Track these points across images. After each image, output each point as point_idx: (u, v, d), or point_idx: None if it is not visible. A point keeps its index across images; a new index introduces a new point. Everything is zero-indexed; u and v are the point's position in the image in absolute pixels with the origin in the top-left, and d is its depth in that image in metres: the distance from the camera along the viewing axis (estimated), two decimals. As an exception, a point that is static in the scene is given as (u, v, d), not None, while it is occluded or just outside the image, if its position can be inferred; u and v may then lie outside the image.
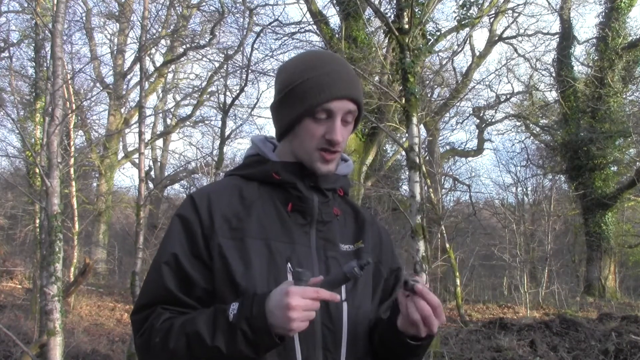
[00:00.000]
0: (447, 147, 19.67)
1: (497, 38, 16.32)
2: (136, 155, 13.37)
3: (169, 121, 19.53)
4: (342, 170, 1.36)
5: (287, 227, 1.24)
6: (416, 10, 5.96)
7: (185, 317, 1.16)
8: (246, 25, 9.75)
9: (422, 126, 13.63)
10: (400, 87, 7.05)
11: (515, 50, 16.84)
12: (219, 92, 13.57)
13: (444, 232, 11.03)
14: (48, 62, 9.16)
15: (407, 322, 1.14)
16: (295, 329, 1.05)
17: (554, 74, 16.61)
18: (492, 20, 15.59)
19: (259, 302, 1.08)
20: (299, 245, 1.23)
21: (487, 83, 17.00)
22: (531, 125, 18.63)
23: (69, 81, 8.33)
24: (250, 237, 1.20)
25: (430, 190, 11.33)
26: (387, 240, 1.41)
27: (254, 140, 1.37)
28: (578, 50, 21.10)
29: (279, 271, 1.18)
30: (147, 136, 14.29)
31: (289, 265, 1.19)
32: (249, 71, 9.04)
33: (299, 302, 1.04)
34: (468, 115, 18.53)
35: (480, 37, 25.06)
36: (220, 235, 1.19)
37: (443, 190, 16.75)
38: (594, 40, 16.16)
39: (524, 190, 18.55)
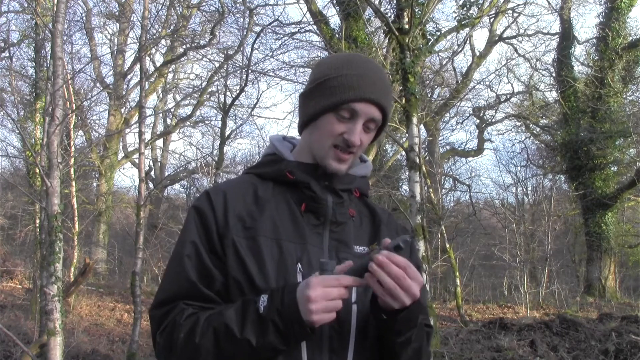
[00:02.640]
0: (447, 147, 19.69)
1: (497, 38, 16.33)
2: (136, 155, 13.37)
3: (169, 121, 19.55)
4: (359, 171, 1.35)
5: (299, 227, 1.23)
6: (416, 10, 5.96)
7: (211, 311, 1.15)
8: (246, 25, 9.76)
9: (422, 126, 13.65)
10: (401, 87, 7.05)
11: (516, 50, 16.87)
12: (219, 92, 13.58)
13: (444, 232, 11.03)
14: (48, 62, 9.16)
15: (385, 296, 1.08)
16: (317, 320, 1.05)
17: (554, 74, 16.61)
18: (492, 20, 15.61)
19: (290, 292, 1.08)
20: (311, 245, 1.21)
21: (487, 83, 17.07)
22: (531, 125, 18.63)
23: (69, 81, 8.32)
24: (263, 236, 1.19)
25: (431, 190, 11.33)
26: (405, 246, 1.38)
27: (272, 139, 1.37)
28: (578, 50, 21.11)
29: (289, 271, 1.17)
30: (147, 136, 14.30)
31: (299, 265, 1.18)
32: (249, 71, 9.04)
33: (319, 293, 1.04)
34: (468, 115, 18.58)
35: (480, 37, 25.08)
36: (234, 233, 1.20)
37: (443, 190, 16.78)
38: (594, 40, 16.16)
39: (524, 190, 18.58)
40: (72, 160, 9.71)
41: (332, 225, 1.25)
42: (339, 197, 1.27)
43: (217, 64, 12.00)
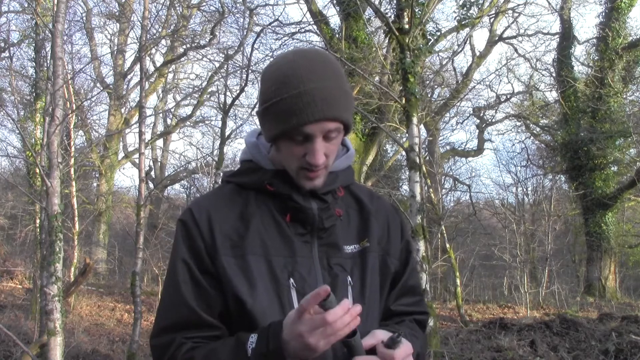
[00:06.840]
0: (447, 147, 19.67)
1: (497, 38, 16.32)
2: (136, 155, 13.38)
3: (169, 121, 19.55)
4: (340, 165, 1.29)
5: (287, 239, 1.21)
6: (416, 10, 5.96)
7: (208, 347, 1.14)
8: (246, 25, 9.76)
9: (422, 126, 13.64)
10: (401, 87, 7.07)
11: (516, 50, 16.85)
12: (219, 92, 13.57)
13: (444, 232, 11.02)
14: (48, 62, 9.17)
15: None
16: (321, 349, 1.03)
17: (554, 74, 16.61)
18: (492, 20, 15.60)
19: (275, 335, 1.05)
20: (301, 257, 1.20)
21: (487, 83, 17.04)
22: (531, 125, 18.62)
23: (69, 81, 8.32)
24: (252, 254, 1.17)
25: (431, 190, 11.34)
26: (395, 229, 1.35)
27: (247, 143, 1.31)
28: (578, 50, 21.10)
29: (282, 288, 1.16)
30: (148, 136, 14.32)
31: (291, 280, 1.17)
32: (249, 71, 9.03)
33: (309, 326, 1.01)
34: (468, 115, 18.55)
35: (480, 37, 25.03)
36: (222, 253, 1.17)
37: (443, 190, 16.78)
38: (594, 40, 16.16)
39: (524, 190, 18.56)
40: (72, 160, 9.73)
41: (319, 232, 1.23)
42: (324, 202, 1.23)
43: (217, 64, 12.01)
